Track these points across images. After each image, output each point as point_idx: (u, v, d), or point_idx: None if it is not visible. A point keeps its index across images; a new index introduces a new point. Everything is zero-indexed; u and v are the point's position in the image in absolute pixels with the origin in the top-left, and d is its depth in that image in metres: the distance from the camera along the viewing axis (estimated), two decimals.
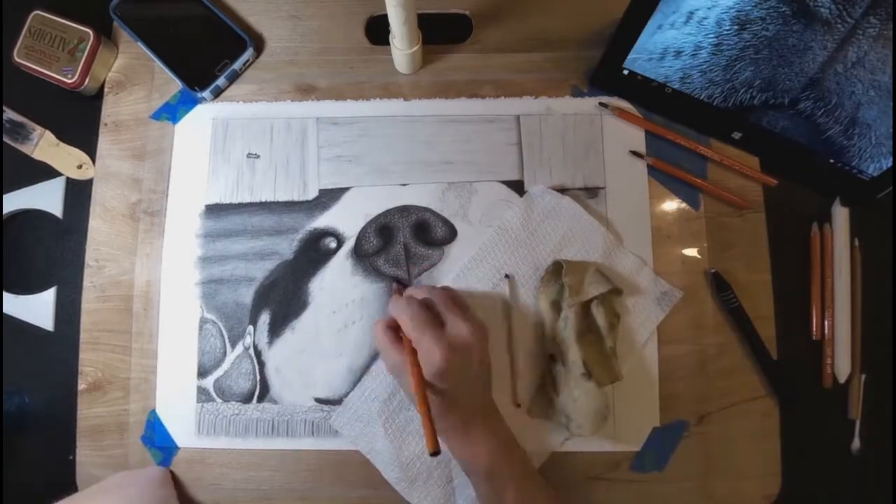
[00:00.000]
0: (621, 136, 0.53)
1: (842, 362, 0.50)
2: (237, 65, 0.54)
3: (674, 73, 0.49)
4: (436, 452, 0.39)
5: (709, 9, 0.44)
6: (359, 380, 0.50)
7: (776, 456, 0.49)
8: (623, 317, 0.50)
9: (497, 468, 0.43)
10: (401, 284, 0.50)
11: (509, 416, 0.46)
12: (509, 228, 0.51)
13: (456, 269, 0.51)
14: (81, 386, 0.51)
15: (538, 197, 0.52)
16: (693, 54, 0.48)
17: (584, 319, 0.49)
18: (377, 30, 0.56)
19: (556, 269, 0.50)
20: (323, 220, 0.52)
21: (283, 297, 0.51)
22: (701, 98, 0.50)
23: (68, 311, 0.53)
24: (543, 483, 0.45)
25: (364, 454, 0.49)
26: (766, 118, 0.50)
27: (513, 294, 0.50)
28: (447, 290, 0.47)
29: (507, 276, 0.51)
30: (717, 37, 0.46)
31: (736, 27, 0.45)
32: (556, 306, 0.50)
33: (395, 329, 0.45)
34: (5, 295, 0.53)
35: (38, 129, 0.55)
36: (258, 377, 0.51)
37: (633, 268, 0.51)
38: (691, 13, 0.45)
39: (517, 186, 0.53)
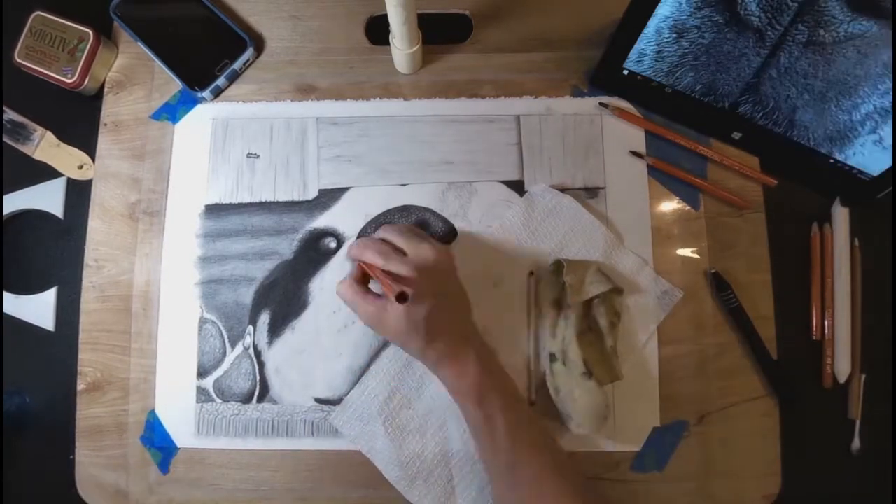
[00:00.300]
0: (621, 136, 0.53)
1: (842, 362, 0.50)
2: (237, 65, 0.54)
3: None
4: (402, 295, 0.41)
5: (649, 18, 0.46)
6: (359, 380, 0.50)
7: (776, 456, 0.49)
8: (623, 316, 0.50)
9: (487, 392, 0.44)
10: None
11: None
12: (510, 227, 0.51)
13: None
14: (80, 386, 0.51)
15: (539, 196, 0.52)
16: (637, 61, 0.50)
17: (585, 319, 0.49)
18: (377, 30, 0.56)
19: (557, 269, 0.50)
20: (323, 220, 0.52)
21: (283, 297, 0.51)
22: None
23: (69, 311, 0.53)
24: (530, 410, 0.47)
25: (364, 453, 0.49)
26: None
27: (536, 291, 0.50)
28: (398, 224, 0.49)
29: (531, 273, 0.51)
30: (657, 44, 0.48)
31: (674, 35, 0.47)
32: (557, 305, 0.50)
33: (360, 283, 0.46)
34: (5, 295, 0.53)
35: (39, 130, 0.55)
36: (258, 377, 0.51)
37: (634, 267, 0.51)
38: None
39: (517, 186, 0.53)
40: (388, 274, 0.44)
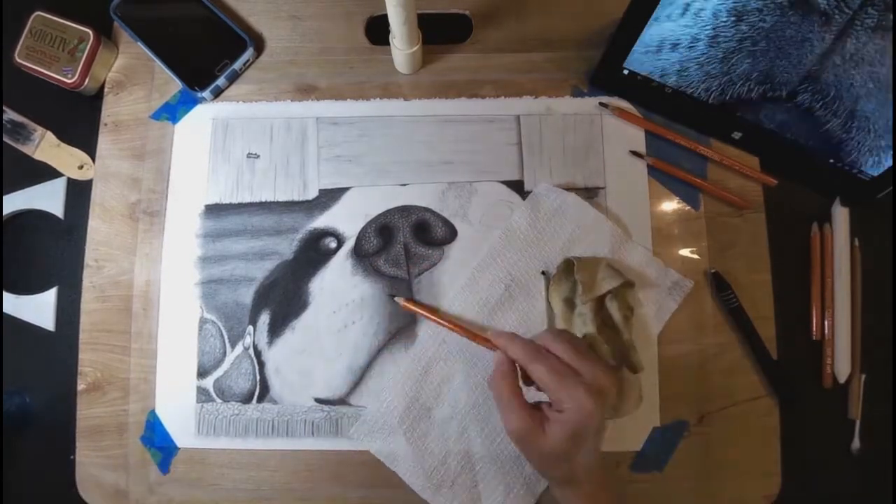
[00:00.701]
0: (621, 136, 0.53)
1: (842, 362, 0.50)
2: (237, 65, 0.54)
3: (670, 66, 0.49)
4: None
5: (705, 0, 0.44)
6: (359, 380, 0.50)
7: (776, 456, 0.49)
8: (636, 309, 0.50)
9: None
10: (399, 298, 0.49)
11: None
12: (517, 230, 0.51)
13: (466, 274, 0.51)
14: (81, 386, 0.51)
15: (543, 196, 0.52)
16: (690, 46, 0.47)
17: (599, 314, 0.49)
18: (377, 30, 0.56)
19: (567, 267, 0.50)
20: (323, 220, 0.52)
21: (283, 297, 0.51)
22: (698, 91, 0.50)
23: (69, 311, 0.53)
24: None
25: (387, 465, 0.49)
26: (764, 112, 0.49)
27: (548, 290, 0.51)
28: (566, 336, 0.42)
29: (543, 272, 0.51)
30: (713, 28, 0.45)
31: (733, 18, 0.44)
32: (570, 304, 0.50)
33: (515, 384, 0.41)
34: (5, 295, 0.53)
35: (40, 130, 0.55)
36: (258, 377, 0.51)
37: (643, 260, 0.51)
38: (688, 4, 0.44)
39: (517, 186, 0.53)
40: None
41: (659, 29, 0.47)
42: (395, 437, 0.49)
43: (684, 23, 0.46)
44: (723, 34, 0.45)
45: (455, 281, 0.51)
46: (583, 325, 0.49)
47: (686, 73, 0.49)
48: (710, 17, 0.44)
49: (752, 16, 0.43)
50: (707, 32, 0.45)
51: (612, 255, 0.51)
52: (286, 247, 0.52)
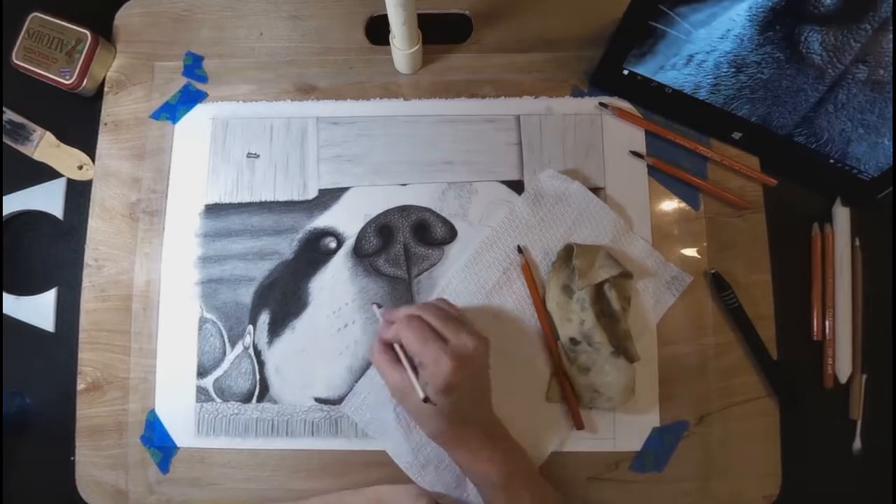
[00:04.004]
0: (621, 136, 0.53)
1: (843, 362, 0.50)
2: None
3: None
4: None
5: (708, 52, 0.46)
6: (359, 379, 0.50)
7: (776, 456, 0.49)
8: (633, 300, 0.50)
9: (509, 478, 0.43)
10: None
11: (528, 410, 0.48)
12: (519, 214, 0.52)
13: (467, 254, 0.51)
14: (80, 386, 0.51)
15: (548, 182, 0.52)
16: (693, 93, 0.50)
17: (597, 303, 0.49)
18: (377, 30, 0.56)
19: (567, 254, 0.50)
20: (323, 220, 0.52)
21: (282, 297, 0.51)
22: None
23: (69, 311, 0.53)
24: (550, 487, 0.46)
25: (374, 438, 0.49)
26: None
27: (532, 264, 0.51)
28: (440, 305, 0.45)
29: (518, 247, 0.51)
30: (715, 78, 0.48)
31: (733, 70, 0.47)
32: (568, 290, 0.50)
33: (391, 349, 0.44)
34: (5, 295, 0.53)
35: (39, 130, 0.55)
36: (258, 377, 0.51)
37: (643, 252, 0.51)
38: (691, 56, 0.47)
39: (517, 186, 0.53)
40: (416, 369, 0.42)
41: (664, 77, 0.49)
42: (384, 413, 0.49)
43: (688, 72, 0.48)
44: (724, 83, 0.48)
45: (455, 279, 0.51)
46: (581, 310, 0.49)
47: None
48: (712, 68, 0.47)
49: (751, 68, 0.46)
50: (709, 81, 0.48)
51: (612, 245, 0.51)
52: (286, 247, 0.52)
